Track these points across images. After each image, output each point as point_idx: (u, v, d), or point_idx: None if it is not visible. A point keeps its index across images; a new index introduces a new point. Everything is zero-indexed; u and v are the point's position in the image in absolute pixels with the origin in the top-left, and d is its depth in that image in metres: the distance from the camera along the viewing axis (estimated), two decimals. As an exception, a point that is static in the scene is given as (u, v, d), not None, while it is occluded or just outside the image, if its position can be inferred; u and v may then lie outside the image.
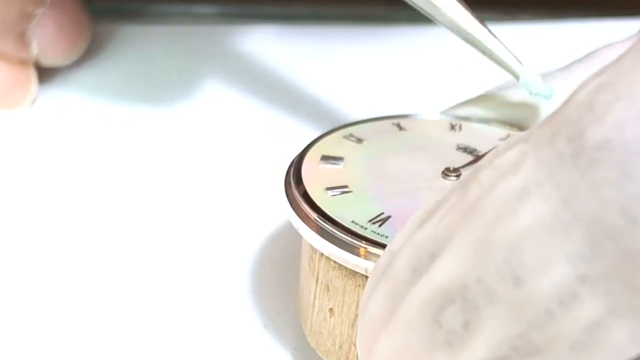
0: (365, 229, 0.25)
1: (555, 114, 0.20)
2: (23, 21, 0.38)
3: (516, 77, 0.30)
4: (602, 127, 0.19)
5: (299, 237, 0.27)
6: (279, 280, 0.32)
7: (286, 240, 0.33)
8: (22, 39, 0.38)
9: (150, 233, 0.33)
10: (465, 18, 0.30)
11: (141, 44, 0.42)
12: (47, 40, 0.39)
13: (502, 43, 0.30)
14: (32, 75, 0.39)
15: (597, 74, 0.20)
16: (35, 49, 0.39)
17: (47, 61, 0.40)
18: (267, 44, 0.43)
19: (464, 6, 0.30)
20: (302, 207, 0.26)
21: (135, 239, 0.33)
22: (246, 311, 0.30)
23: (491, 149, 0.29)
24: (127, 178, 0.36)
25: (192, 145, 0.38)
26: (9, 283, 0.31)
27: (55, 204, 0.34)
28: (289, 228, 0.32)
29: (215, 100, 0.40)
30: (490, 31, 0.30)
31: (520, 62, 0.29)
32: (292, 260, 0.31)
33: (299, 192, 0.27)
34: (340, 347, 0.26)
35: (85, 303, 0.31)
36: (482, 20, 0.30)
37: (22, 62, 0.39)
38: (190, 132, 0.38)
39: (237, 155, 0.37)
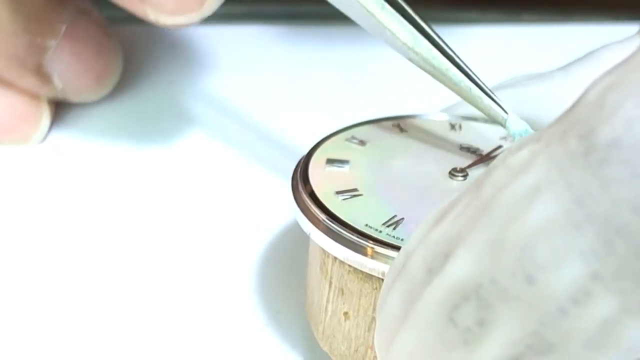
0: (380, 232, 0.25)
1: (565, 113, 0.20)
2: (35, 54, 0.36)
3: (502, 123, 0.28)
4: (612, 126, 0.19)
5: (300, 237, 0.27)
6: (279, 280, 0.32)
7: (287, 239, 0.33)
8: (39, 73, 0.36)
9: (152, 234, 0.34)
10: (446, 64, 0.28)
11: (142, 45, 0.42)
12: (70, 74, 0.37)
13: (487, 89, 0.28)
14: (44, 111, 0.37)
15: (606, 74, 0.20)
16: (58, 84, 0.37)
17: (75, 97, 0.38)
18: (267, 44, 0.44)
19: (445, 49, 0.29)
20: (313, 211, 0.26)
21: (139, 238, 0.33)
22: (247, 310, 0.30)
23: (494, 149, 0.29)
24: (132, 178, 0.36)
25: (190, 147, 0.38)
26: (21, 312, 0.31)
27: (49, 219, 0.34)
28: (290, 228, 0.33)
29: (215, 100, 0.40)
30: (473, 75, 0.29)
31: (505, 110, 0.28)
32: (293, 259, 0.31)
33: (308, 197, 0.27)
34: (356, 351, 0.26)
35: (87, 303, 0.31)
36: (466, 65, 0.29)
37: (34, 97, 0.37)
38: (189, 133, 0.38)
39: (236, 155, 0.37)
